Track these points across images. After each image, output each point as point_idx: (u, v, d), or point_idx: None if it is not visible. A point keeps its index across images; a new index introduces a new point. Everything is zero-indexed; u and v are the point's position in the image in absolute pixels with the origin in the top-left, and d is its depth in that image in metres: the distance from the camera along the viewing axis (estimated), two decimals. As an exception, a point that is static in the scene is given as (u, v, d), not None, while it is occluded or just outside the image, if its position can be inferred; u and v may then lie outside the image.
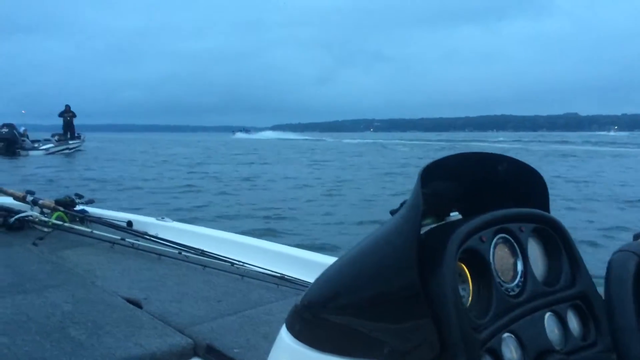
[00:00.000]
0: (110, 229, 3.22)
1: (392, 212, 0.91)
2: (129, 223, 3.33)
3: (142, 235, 3.11)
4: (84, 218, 3.42)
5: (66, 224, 3.30)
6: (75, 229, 3.27)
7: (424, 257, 0.74)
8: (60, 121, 31.20)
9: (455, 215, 0.93)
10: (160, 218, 3.47)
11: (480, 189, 0.96)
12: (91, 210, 3.63)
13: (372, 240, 0.83)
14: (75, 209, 3.53)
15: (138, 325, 1.90)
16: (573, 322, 0.90)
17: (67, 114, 30.87)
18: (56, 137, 30.82)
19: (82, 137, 33.93)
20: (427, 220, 0.89)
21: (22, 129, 28.74)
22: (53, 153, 29.05)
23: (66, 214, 3.41)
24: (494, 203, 0.92)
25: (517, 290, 0.85)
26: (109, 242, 3.02)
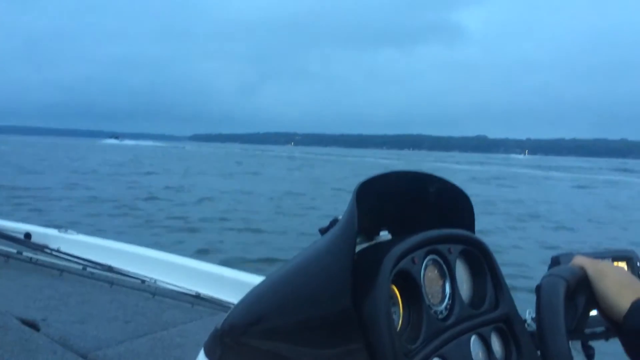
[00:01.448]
0: (5, 241, 2.93)
1: (322, 231, 0.86)
2: (27, 235, 3.05)
3: (41, 248, 2.85)
4: (-26, 229, 3.09)
5: (-50, 235, 2.96)
6: None
7: (357, 278, 0.70)
8: None
9: (384, 234, 0.90)
10: (63, 230, 3.21)
11: (410, 207, 0.94)
12: (-18, 220, 3.30)
13: (303, 261, 0.78)
14: (-38, 218, 3.19)
15: (34, 350, 1.71)
16: (496, 345, 0.90)
17: None
18: None
19: None
20: (357, 239, 0.85)
21: None
22: None
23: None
24: (423, 222, 0.91)
25: (445, 312, 0.84)
26: (3, 255, 2.74)
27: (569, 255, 0.89)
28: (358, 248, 0.81)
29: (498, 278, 0.94)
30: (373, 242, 0.86)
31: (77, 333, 1.90)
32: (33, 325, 1.95)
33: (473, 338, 0.85)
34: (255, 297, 0.81)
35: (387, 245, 0.80)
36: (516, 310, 0.94)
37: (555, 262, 0.94)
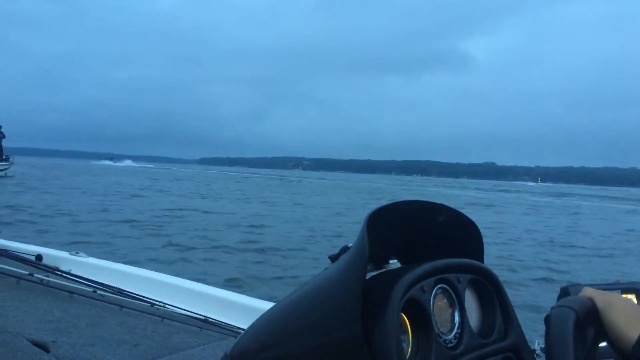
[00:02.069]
0: (17, 262, 2.95)
1: (332, 258, 0.87)
2: (39, 257, 3.06)
3: (52, 270, 2.86)
4: (-14, 250, 3.12)
5: (-36, 256, 2.99)
6: None
7: (367, 306, 0.71)
8: None
9: (394, 262, 0.91)
10: (74, 253, 3.23)
11: (419, 237, 0.95)
12: (-4, 241, 3.33)
13: (313, 287, 0.79)
14: (-24, 239, 3.23)
15: None
16: None
17: None
18: None
19: (11, 160, 31.00)
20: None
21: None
22: None
23: (-36, 244, 3.11)
24: (432, 251, 0.92)
25: (454, 341, 0.84)
26: (15, 277, 2.76)
27: (578, 287, 0.90)
28: (367, 276, 0.83)
29: (507, 308, 0.94)
30: (383, 270, 0.88)
31: (87, 355, 1.91)
32: (43, 347, 1.96)
33: None
34: (265, 323, 0.82)
35: (397, 273, 0.81)
36: (525, 340, 0.95)
37: (564, 293, 0.94)
